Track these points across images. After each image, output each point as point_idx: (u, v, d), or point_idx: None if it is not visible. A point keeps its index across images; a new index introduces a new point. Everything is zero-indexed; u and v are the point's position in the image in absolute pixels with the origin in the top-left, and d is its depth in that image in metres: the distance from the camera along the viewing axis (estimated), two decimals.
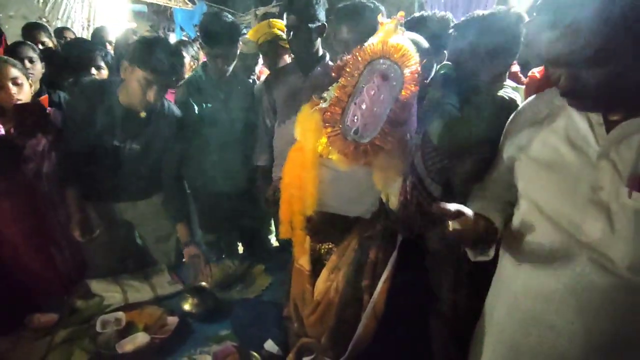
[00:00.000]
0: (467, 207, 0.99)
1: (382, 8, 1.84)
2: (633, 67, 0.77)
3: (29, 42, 2.36)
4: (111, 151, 1.82)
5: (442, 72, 1.43)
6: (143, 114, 1.75)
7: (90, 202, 1.92)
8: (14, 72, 1.79)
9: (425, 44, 1.21)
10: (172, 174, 2.00)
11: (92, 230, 1.84)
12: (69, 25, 4.56)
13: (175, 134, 1.93)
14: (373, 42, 1.02)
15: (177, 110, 1.97)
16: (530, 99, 1.10)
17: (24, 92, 1.81)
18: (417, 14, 1.74)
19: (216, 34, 1.96)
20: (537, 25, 0.87)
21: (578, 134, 0.92)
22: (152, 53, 1.63)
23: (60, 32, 3.80)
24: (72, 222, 1.81)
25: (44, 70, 2.27)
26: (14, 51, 2.18)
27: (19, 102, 1.78)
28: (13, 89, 1.77)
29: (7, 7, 4.55)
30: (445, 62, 1.51)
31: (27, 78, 1.86)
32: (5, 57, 1.87)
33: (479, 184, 1.19)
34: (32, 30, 3.04)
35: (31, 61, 2.19)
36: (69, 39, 3.56)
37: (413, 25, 1.59)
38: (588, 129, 0.90)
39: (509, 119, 1.12)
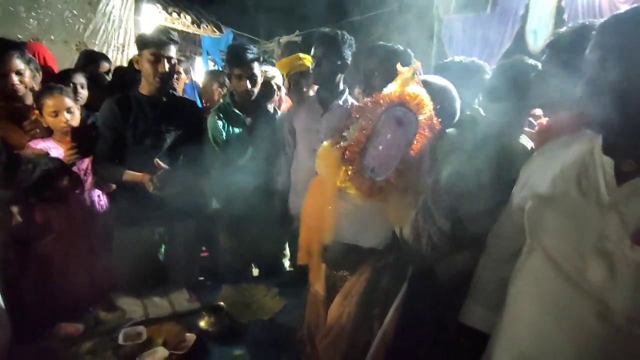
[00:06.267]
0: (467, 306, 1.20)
1: (412, 55, 1.92)
2: None
3: (80, 70, 2.56)
4: (154, 134, 2.02)
5: (467, 113, 1.49)
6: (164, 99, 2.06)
7: (129, 227, 2.07)
8: (68, 102, 2.04)
9: (445, 88, 1.28)
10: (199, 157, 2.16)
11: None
12: (104, 50, 4.81)
13: (201, 115, 2.29)
14: (391, 90, 1.12)
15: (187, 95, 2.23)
16: (546, 144, 1.15)
17: (75, 119, 2.06)
18: (452, 59, 1.78)
19: (239, 55, 2.19)
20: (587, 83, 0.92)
21: (589, 182, 0.95)
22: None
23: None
24: (145, 184, 1.92)
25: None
26: (67, 77, 2.38)
27: (74, 127, 2.01)
28: (67, 117, 2.02)
29: (49, 31, 4.81)
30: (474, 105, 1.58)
31: (77, 104, 2.08)
32: (61, 86, 2.08)
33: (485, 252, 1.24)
34: (97, 59, 3.11)
35: (82, 87, 2.42)
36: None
37: (442, 69, 1.65)
38: (600, 179, 0.93)
39: (526, 162, 1.16)
